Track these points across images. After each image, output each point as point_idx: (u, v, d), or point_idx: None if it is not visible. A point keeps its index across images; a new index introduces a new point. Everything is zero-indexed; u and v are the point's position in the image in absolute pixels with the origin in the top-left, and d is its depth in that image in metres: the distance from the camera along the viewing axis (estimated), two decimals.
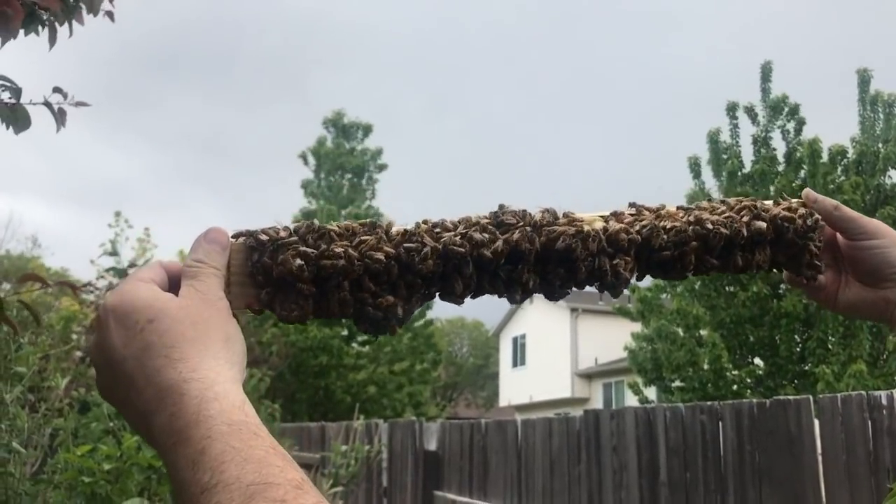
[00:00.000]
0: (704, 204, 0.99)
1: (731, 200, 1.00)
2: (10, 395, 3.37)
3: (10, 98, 2.02)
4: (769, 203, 1.00)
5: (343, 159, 20.72)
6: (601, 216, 0.93)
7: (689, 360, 14.48)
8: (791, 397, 2.94)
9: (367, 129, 21.70)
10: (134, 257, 3.93)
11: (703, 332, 14.86)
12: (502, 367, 38.99)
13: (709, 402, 3.19)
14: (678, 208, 0.97)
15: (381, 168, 21.49)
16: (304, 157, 21.53)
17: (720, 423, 3.26)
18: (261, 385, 7.82)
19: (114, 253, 3.43)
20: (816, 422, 2.97)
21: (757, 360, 15.19)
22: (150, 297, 0.72)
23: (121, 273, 3.63)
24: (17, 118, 2.07)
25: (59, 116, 2.19)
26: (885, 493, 2.60)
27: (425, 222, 0.85)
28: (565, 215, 0.90)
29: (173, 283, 0.76)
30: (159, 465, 3.45)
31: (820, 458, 2.87)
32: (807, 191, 1.02)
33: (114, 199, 60.27)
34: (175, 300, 0.72)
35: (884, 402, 2.64)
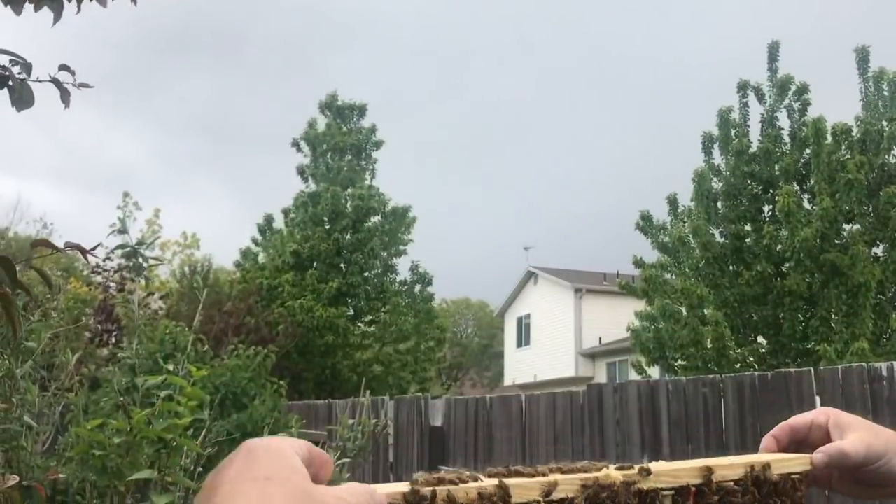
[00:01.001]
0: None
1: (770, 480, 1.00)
2: (22, 369, 3.42)
3: (20, 73, 2.04)
4: (794, 472, 1.01)
5: (339, 139, 20.72)
6: (672, 493, 0.94)
7: (692, 338, 14.53)
8: (792, 370, 2.96)
9: (362, 110, 21.68)
10: (142, 236, 3.92)
11: (707, 311, 14.89)
12: (507, 347, 39.11)
13: (711, 375, 3.22)
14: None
15: (378, 145, 21.46)
16: (296, 145, 21.51)
17: (722, 396, 3.29)
18: (267, 361, 7.91)
19: (123, 231, 3.45)
20: (817, 395, 3.00)
21: (760, 339, 15.23)
22: (289, 462, 0.67)
23: (130, 252, 3.65)
24: (21, 95, 2.07)
25: (65, 95, 2.18)
26: None
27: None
28: None
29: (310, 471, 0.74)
30: (170, 437, 3.51)
31: None
32: (816, 459, 1.00)
33: (120, 182, 60.30)
34: (305, 494, 0.65)
35: (884, 373, 2.67)
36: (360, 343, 18.24)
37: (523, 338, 36.43)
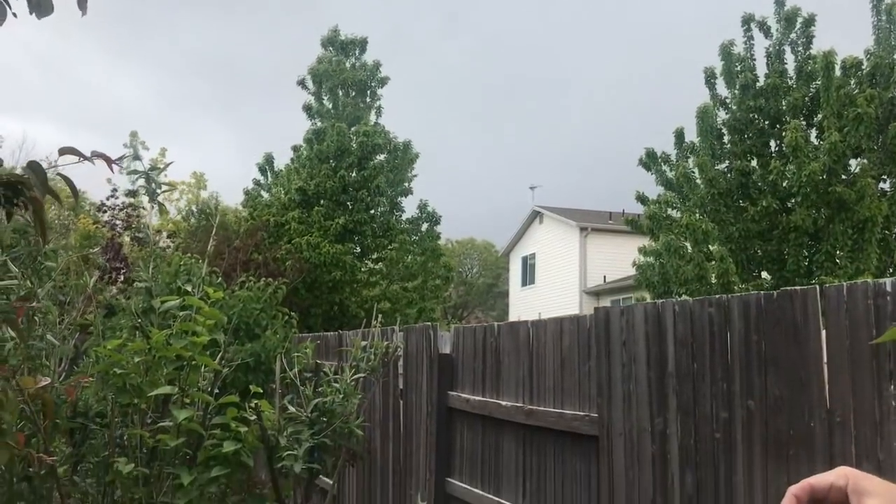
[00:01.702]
0: None
1: None
2: (43, 289, 3.50)
3: None
4: None
5: (345, 75, 20.57)
6: None
7: (697, 274, 14.59)
8: (798, 288, 3.01)
9: (363, 44, 21.49)
10: (155, 162, 3.98)
11: (712, 247, 14.92)
12: (512, 286, 39.32)
13: (717, 296, 3.28)
14: None
15: (383, 82, 21.32)
16: (302, 83, 21.42)
17: (727, 315, 3.35)
18: (278, 293, 8.01)
19: (136, 157, 3.51)
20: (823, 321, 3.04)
21: (764, 274, 15.28)
22: None
23: (143, 176, 3.71)
24: (40, 3, 2.06)
25: (81, 2, 2.17)
26: (885, 375, 2.69)
27: None
28: None
29: None
30: (188, 355, 3.60)
31: (825, 344, 2.96)
32: None
33: (124, 125, 59.92)
34: None
35: (888, 288, 2.71)
36: (367, 280, 18.36)
37: (528, 277, 36.61)
